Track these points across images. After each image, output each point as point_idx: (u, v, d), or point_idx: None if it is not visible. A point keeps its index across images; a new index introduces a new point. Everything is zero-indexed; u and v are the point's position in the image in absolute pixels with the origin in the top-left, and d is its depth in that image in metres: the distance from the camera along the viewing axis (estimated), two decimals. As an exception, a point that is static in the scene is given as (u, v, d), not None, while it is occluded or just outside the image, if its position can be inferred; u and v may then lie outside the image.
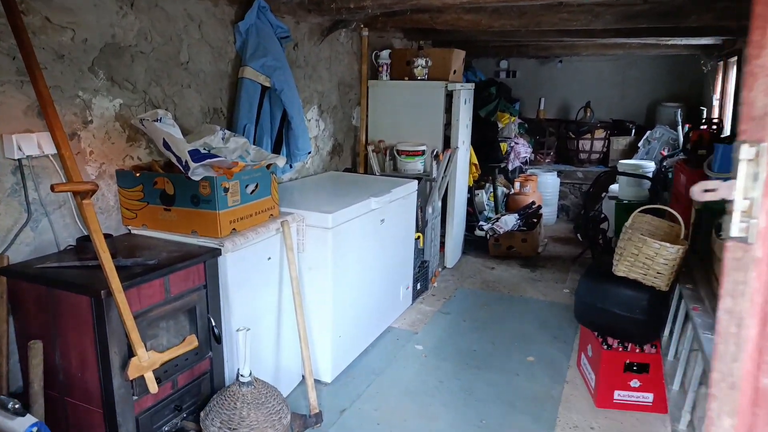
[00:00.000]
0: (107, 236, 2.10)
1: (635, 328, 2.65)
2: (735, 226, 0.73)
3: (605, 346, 2.72)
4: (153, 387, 1.76)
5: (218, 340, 2.19)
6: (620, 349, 2.71)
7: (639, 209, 2.75)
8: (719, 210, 2.73)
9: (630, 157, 6.11)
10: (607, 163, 6.50)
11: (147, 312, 1.92)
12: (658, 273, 2.49)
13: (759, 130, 0.68)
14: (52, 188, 1.61)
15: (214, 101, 2.94)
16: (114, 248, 2.05)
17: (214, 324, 2.17)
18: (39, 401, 1.83)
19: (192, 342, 1.91)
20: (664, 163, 4.53)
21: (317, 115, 3.89)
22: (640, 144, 6.08)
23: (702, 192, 0.78)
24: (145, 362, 1.74)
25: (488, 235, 5.00)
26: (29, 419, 1.46)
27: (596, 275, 2.76)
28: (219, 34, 2.90)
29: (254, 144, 3.05)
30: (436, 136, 4.29)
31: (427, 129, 4.29)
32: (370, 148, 4.29)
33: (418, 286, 4.02)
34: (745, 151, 0.70)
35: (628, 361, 2.65)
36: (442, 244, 4.62)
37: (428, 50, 4.47)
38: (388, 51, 4.41)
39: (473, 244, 5.20)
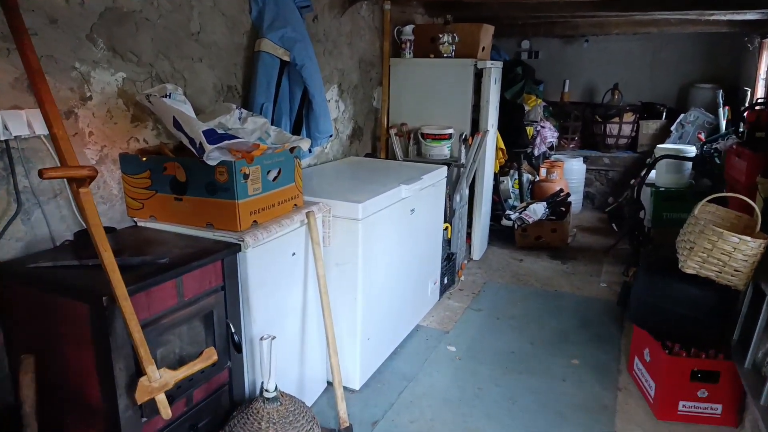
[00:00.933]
0: (110, 230, 1.83)
1: (703, 331, 2.36)
2: None
3: (666, 351, 2.43)
4: (166, 412, 1.48)
5: (238, 348, 1.91)
6: (684, 354, 2.42)
7: (707, 198, 2.44)
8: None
9: (661, 142, 5.78)
10: (636, 148, 6.17)
11: (158, 319, 1.64)
12: (735, 270, 2.19)
13: None
14: (41, 174, 1.32)
15: (228, 77, 2.64)
16: (118, 244, 1.77)
17: (233, 330, 1.89)
18: (32, 424, 1.56)
19: (211, 356, 1.63)
20: (711, 147, 4.20)
21: (337, 95, 3.59)
22: (672, 128, 5.73)
23: None
24: (156, 383, 1.46)
25: (515, 225, 4.70)
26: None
27: (657, 272, 2.47)
28: (233, 1, 2.59)
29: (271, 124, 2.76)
30: (464, 119, 3.98)
31: (453, 111, 3.97)
32: (392, 131, 3.98)
33: (445, 281, 3.73)
34: None
35: (695, 369, 2.36)
36: (468, 234, 4.33)
37: (455, 25, 4.13)
38: (412, 26, 4.08)
39: (498, 234, 4.89)
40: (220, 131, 1.97)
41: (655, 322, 2.46)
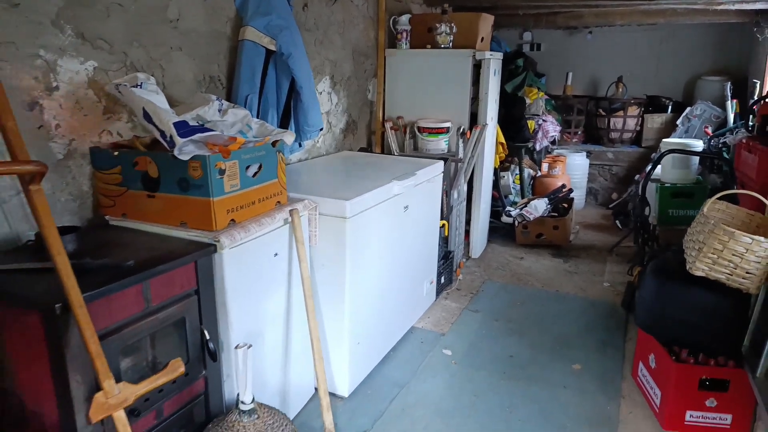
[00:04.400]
0: (73, 229, 1.69)
1: (713, 338, 2.22)
2: None
3: (674, 358, 2.29)
4: (125, 430, 1.35)
5: (213, 357, 1.78)
6: (692, 361, 2.29)
7: (717, 195, 2.29)
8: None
9: (667, 136, 5.62)
10: (641, 142, 6.01)
11: (120, 328, 1.50)
12: (747, 273, 2.05)
13: None
14: (-19, 170, 1.19)
15: (209, 67, 2.50)
16: (82, 245, 1.64)
17: (208, 337, 1.76)
18: (-16, 442, 1.44)
19: (176, 368, 1.50)
20: (719, 141, 4.04)
21: (329, 87, 3.44)
22: (678, 122, 5.58)
23: None
24: (114, 398, 1.33)
25: (516, 222, 4.55)
26: None
27: (664, 275, 2.32)
28: (215, -14, 2.45)
29: (257, 118, 2.62)
30: (462, 112, 3.83)
31: (451, 103, 3.83)
32: (388, 125, 3.84)
33: (442, 280, 3.60)
34: None
35: (703, 378, 2.22)
36: (467, 231, 4.19)
37: (453, 15, 3.98)
38: (408, 16, 3.93)
39: (498, 231, 4.76)
40: (193, 123, 1.83)
41: (662, 328, 2.32)
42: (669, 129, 5.75)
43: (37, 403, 1.46)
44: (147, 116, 1.75)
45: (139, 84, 1.84)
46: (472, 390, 2.57)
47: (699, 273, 2.14)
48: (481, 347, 2.96)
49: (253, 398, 1.74)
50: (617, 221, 4.69)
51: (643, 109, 5.92)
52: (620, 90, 5.99)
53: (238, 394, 1.75)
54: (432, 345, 2.98)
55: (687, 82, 6.04)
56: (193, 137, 1.70)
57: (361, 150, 3.79)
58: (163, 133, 1.72)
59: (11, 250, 1.71)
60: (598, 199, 6.20)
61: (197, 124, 1.89)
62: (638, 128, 5.99)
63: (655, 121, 5.90)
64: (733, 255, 2.04)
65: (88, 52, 1.94)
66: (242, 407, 1.72)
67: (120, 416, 1.35)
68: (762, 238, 1.98)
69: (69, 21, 1.86)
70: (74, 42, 1.89)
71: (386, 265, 2.68)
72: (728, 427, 2.24)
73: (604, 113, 6.00)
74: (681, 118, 5.54)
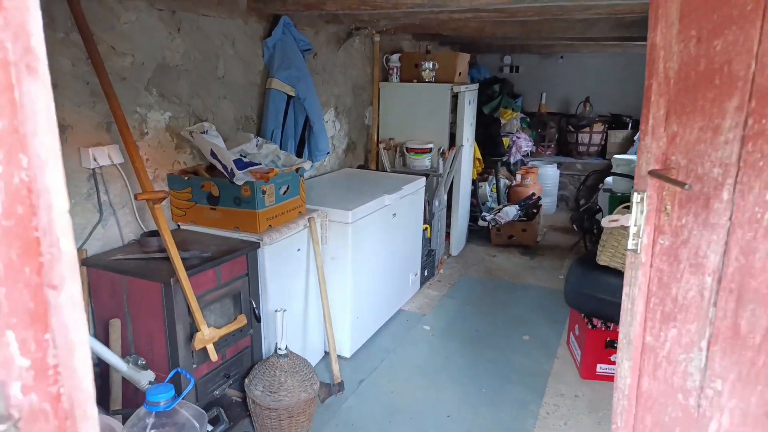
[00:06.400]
0: (165, 232, 2.49)
1: (616, 311, 3.02)
2: (630, 242, 1.13)
3: (590, 326, 3.10)
4: (213, 356, 2.16)
5: (258, 319, 2.59)
6: (602, 328, 3.10)
7: (622, 205, 3.11)
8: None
9: (626, 150, 6.44)
10: (605, 155, 6.83)
11: (203, 296, 2.31)
12: (635, 263, 2.86)
13: (641, 185, 1.07)
14: (136, 197, 2.01)
15: (245, 109, 3.31)
16: (172, 242, 2.44)
17: (255, 306, 2.57)
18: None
19: (242, 321, 2.31)
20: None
21: (334, 116, 4.26)
22: (635, 137, 6.41)
23: (609, 222, 1.19)
24: (207, 336, 2.14)
25: (490, 225, 5.37)
26: (150, 373, 1.91)
27: (584, 264, 3.14)
28: (249, 49, 3.26)
29: (280, 146, 3.43)
30: (443, 135, 4.64)
31: (434, 128, 4.64)
32: (381, 146, 4.65)
33: (426, 273, 4.41)
34: (635, 197, 1.10)
35: (608, 339, 3.04)
36: (448, 233, 5.00)
37: (435, 54, 4.80)
38: (398, 55, 4.75)
39: (476, 233, 5.58)
40: (245, 159, 2.65)
41: (582, 304, 3.13)
42: (629, 144, 6.57)
43: (150, 343, 2.27)
44: (214, 155, 2.56)
45: (205, 131, 2.65)
46: (444, 354, 3.39)
47: (603, 263, 2.96)
48: (454, 325, 3.78)
49: (287, 346, 2.54)
50: (574, 225, 5.51)
51: (607, 125, 6.75)
52: (587, 108, 6.82)
53: (276, 344, 2.56)
54: (415, 322, 3.80)
55: (645, 102, 6.86)
56: (246, 170, 2.51)
57: (359, 167, 4.61)
58: (225, 167, 2.53)
59: (122, 247, 2.53)
60: (568, 205, 7.02)
61: (246, 159, 2.71)
62: (603, 142, 6.82)
63: (617, 136, 6.73)
64: (625, 249, 2.85)
65: (166, 106, 2.75)
66: (279, 352, 2.52)
67: (211, 347, 2.16)
68: (643, 238, 2.79)
69: (155, 85, 2.67)
70: (158, 99, 2.70)
71: (379, 260, 3.49)
72: (628, 376, 3.05)
73: (573, 129, 6.83)
74: (637, 135, 6.36)
